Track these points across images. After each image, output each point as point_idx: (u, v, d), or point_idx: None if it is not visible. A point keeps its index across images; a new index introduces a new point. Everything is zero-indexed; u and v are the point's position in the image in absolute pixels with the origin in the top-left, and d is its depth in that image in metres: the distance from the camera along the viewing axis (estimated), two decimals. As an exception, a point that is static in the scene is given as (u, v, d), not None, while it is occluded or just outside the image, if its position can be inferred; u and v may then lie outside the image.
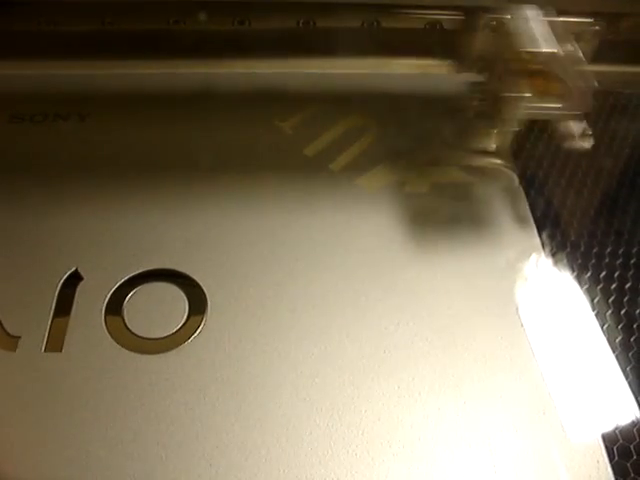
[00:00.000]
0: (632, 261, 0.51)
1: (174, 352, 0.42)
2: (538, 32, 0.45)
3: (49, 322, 0.43)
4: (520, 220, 0.52)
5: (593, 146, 0.51)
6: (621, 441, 0.41)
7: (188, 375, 0.41)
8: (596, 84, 0.44)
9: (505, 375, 0.43)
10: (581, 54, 0.46)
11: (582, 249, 0.51)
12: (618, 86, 0.62)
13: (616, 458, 0.40)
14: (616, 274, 0.50)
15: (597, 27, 0.50)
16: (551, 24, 0.47)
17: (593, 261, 0.51)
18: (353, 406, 0.41)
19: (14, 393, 0.40)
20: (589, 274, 0.50)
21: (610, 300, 0.48)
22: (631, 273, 0.50)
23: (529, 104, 0.46)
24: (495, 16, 0.49)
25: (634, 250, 0.52)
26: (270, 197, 0.52)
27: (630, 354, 0.45)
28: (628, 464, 0.40)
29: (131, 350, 0.42)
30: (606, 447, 0.40)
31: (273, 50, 0.53)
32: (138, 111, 0.57)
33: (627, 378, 0.43)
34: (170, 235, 0.48)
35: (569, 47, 0.46)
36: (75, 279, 0.45)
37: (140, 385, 0.41)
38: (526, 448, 0.40)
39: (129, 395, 0.40)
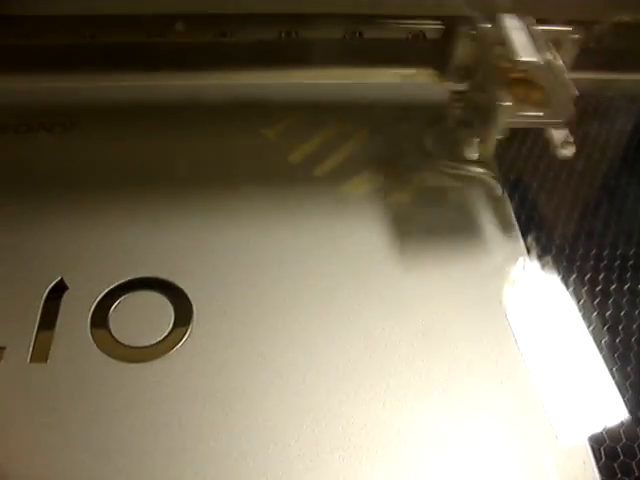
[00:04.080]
0: (616, 263, 0.52)
1: (161, 360, 0.42)
2: (518, 41, 0.45)
3: (34, 332, 0.43)
4: (505, 224, 0.52)
5: (576, 149, 0.51)
6: (608, 442, 0.41)
7: (175, 383, 0.41)
8: (577, 92, 0.45)
9: (491, 378, 0.43)
10: (561, 62, 0.46)
11: (567, 252, 0.52)
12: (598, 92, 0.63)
13: (603, 459, 0.40)
14: (601, 276, 0.50)
15: (576, 35, 0.50)
16: (531, 33, 0.47)
17: (578, 263, 0.51)
18: (340, 412, 0.40)
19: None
20: (574, 276, 0.50)
21: (595, 302, 0.49)
22: (615, 275, 0.51)
23: (510, 113, 0.46)
24: (476, 25, 0.49)
25: (618, 252, 0.52)
26: (255, 205, 0.52)
27: (616, 355, 0.45)
28: (615, 465, 0.40)
29: (117, 359, 0.42)
30: (592, 448, 0.40)
31: (255, 61, 0.54)
32: (122, 122, 0.57)
33: (613, 379, 0.44)
34: (155, 244, 0.48)
35: (549, 55, 0.46)
36: (60, 289, 0.45)
37: (127, 394, 0.40)
38: (512, 450, 0.40)
39: (115, 404, 0.40)
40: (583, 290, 0.49)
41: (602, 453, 0.40)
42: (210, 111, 0.59)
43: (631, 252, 0.53)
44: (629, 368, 0.45)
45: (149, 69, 0.55)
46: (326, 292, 0.46)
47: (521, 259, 0.50)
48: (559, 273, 0.50)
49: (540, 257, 0.50)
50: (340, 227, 0.51)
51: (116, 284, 0.45)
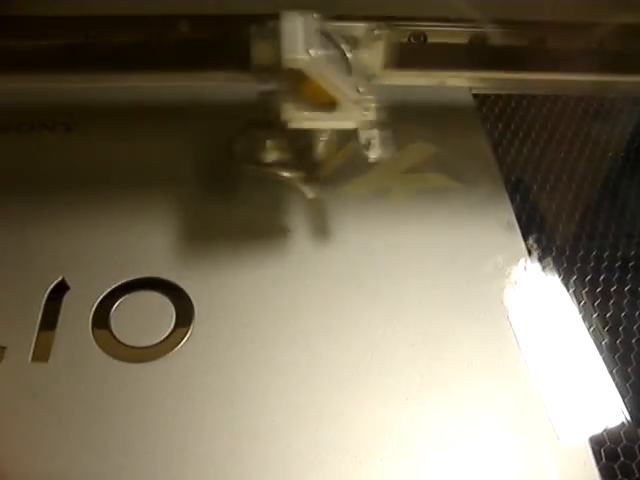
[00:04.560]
0: (617, 264, 0.52)
1: (162, 360, 0.42)
2: (288, 38, 0.42)
3: (36, 331, 0.43)
4: (505, 225, 0.52)
5: (577, 150, 0.51)
6: (608, 443, 0.41)
7: (176, 383, 0.41)
8: (359, 96, 0.42)
9: (493, 379, 0.43)
10: (349, 61, 0.44)
11: (567, 253, 0.52)
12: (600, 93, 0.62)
13: (603, 460, 0.40)
14: (601, 277, 0.50)
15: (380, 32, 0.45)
16: (320, 30, 0.43)
17: (579, 265, 0.51)
18: (341, 412, 0.41)
19: (1, 402, 0.40)
20: (575, 278, 0.50)
21: (596, 303, 0.49)
22: (616, 276, 0.51)
23: (292, 113, 0.43)
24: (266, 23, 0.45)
25: (619, 253, 0.52)
26: (256, 205, 0.52)
27: (616, 356, 0.45)
28: (615, 466, 0.40)
29: (118, 359, 0.42)
30: (593, 449, 0.40)
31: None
32: (123, 122, 0.58)
33: (614, 380, 0.44)
34: (156, 244, 0.48)
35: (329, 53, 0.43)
36: (62, 288, 0.45)
37: (127, 394, 0.40)
38: (514, 451, 0.40)
39: (116, 404, 0.40)
40: (584, 291, 0.49)
41: (602, 454, 0.40)
42: (211, 111, 0.59)
43: (632, 254, 0.53)
44: (629, 369, 0.45)
45: (151, 69, 0.55)
46: (327, 293, 0.46)
47: (522, 260, 0.50)
48: (560, 274, 0.50)
49: (541, 258, 0.50)
50: (341, 227, 0.51)
51: (117, 284, 0.45)
